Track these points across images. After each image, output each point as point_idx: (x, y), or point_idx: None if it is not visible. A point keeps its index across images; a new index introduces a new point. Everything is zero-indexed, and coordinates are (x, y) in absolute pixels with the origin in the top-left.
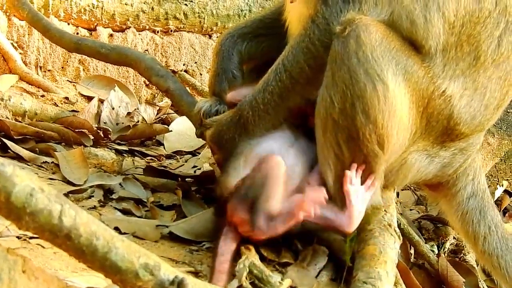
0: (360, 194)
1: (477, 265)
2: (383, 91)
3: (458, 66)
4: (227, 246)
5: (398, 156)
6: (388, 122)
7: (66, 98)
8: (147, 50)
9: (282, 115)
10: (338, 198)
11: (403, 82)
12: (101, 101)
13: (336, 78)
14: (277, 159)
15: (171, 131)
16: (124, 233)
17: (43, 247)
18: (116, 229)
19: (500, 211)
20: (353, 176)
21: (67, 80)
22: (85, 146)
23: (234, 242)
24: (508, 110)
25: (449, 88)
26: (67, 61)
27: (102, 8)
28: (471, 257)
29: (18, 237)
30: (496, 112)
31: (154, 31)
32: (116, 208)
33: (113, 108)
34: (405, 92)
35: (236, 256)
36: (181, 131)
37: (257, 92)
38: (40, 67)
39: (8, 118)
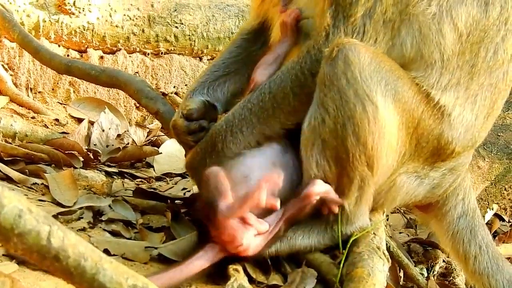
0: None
1: None
2: (373, 112)
3: (455, 75)
4: (206, 257)
5: (386, 179)
6: (378, 143)
7: (57, 119)
8: (137, 72)
9: (255, 139)
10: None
11: (392, 103)
12: (91, 123)
13: (326, 99)
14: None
15: (161, 153)
16: (114, 255)
17: (31, 267)
18: (106, 251)
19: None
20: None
21: (58, 102)
22: (75, 167)
23: (211, 259)
24: (499, 134)
25: (442, 98)
26: (58, 83)
27: (92, 30)
28: (460, 280)
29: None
30: (486, 122)
31: (144, 53)
32: (105, 230)
33: (103, 130)
34: (395, 113)
35: (224, 277)
36: (171, 154)
37: (235, 108)
38: (31, 89)
39: None
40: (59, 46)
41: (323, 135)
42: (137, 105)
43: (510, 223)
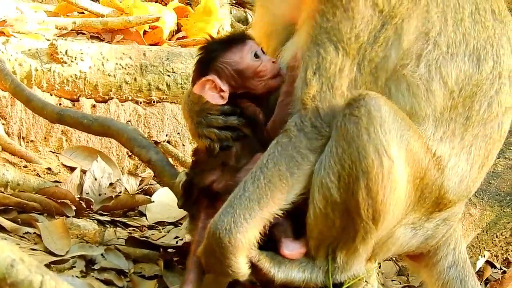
0: None
1: None
2: (389, 167)
3: (449, 127)
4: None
5: (388, 230)
6: (388, 198)
7: (49, 168)
8: (129, 121)
9: (262, 224)
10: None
11: (404, 154)
12: (84, 171)
13: (344, 155)
14: None
15: (153, 202)
16: None
17: None
18: None
19: (481, 282)
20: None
21: (50, 151)
22: (67, 216)
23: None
24: (490, 181)
25: (439, 149)
26: (50, 132)
27: (85, 79)
28: None
29: None
30: (480, 172)
31: (136, 102)
32: (98, 279)
33: (95, 179)
34: (406, 164)
35: None
36: (164, 202)
37: (231, 199)
38: (23, 138)
39: None
40: (51, 95)
41: (336, 191)
42: (130, 153)
43: (501, 270)
